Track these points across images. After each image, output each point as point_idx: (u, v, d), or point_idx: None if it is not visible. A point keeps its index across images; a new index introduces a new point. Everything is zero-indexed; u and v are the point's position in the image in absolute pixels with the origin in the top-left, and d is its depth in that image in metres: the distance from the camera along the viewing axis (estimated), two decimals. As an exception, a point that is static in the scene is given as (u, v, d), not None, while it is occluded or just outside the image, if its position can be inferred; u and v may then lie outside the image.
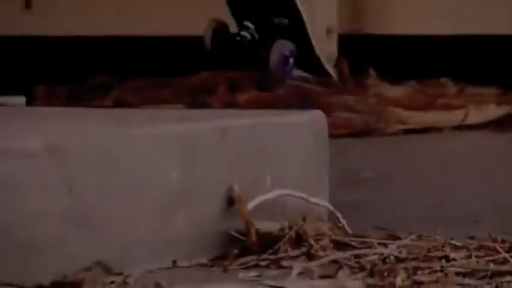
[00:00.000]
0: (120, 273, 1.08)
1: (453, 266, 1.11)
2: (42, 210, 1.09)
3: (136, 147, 1.29)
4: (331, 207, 1.37)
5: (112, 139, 1.31)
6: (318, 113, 1.57)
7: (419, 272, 1.07)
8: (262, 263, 1.16)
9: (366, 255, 1.17)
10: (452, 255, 1.18)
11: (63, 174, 1.13)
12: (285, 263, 1.16)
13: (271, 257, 1.18)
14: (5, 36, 3.69)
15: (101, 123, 1.57)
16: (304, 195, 1.32)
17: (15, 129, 1.41)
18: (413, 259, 1.15)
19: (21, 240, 1.06)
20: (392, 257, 1.16)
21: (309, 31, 3.49)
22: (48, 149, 1.13)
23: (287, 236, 1.21)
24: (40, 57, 3.74)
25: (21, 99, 3.50)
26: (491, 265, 1.13)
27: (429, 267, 1.09)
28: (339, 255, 1.18)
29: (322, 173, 1.52)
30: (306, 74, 3.41)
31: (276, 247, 1.20)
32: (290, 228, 1.22)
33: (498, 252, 1.18)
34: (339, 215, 1.34)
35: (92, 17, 3.80)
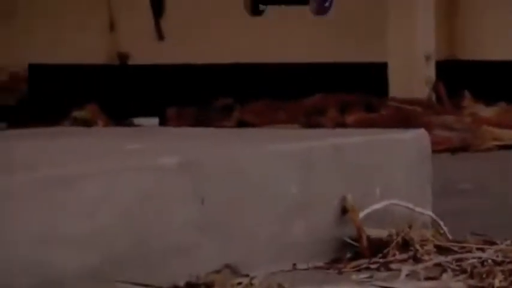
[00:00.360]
0: (247, 275, 1.15)
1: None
2: (178, 219, 1.18)
3: (260, 163, 1.37)
4: (433, 216, 1.40)
5: (239, 156, 1.40)
6: (421, 132, 1.61)
7: (515, 274, 1.06)
8: (373, 266, 1.20)
9: (466, 259, 1.20)
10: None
11: (197, 187, 1.22)
12: (393, 266, 1.20)
13: (381, 260, 1.22)
14: (141, 65, 3.86)
15: (228, 141, 1.65)
16: (410, 205, 1.36)
17: (153, 147, 1.49)
18: (509, 262, 1.17)
19: (159, 246, 1.15)
20: (490, 261, 1.18)
21: None
22: (183, 164, 1.24)
23: (395, 242, 1.25)
24: (171, 83, 3.88)
25: (154, 120, 3.71)
26: None
27: (524, 270, 1.09)
28: (442, 259, 1.21)
29: (425, 185, 1.54)
30: None
31: (385, 252, 1.23)
32: (397, 234, 1.25)
33: None
34: (441, 223, 1.37)
35: (215, 47, 3.91)
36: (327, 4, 1.79)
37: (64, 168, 1.18)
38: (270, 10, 1.79)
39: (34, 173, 1.11)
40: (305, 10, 1.77)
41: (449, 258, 1.24)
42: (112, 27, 3.92)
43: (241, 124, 3.55)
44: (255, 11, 1.90)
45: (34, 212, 1.03)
